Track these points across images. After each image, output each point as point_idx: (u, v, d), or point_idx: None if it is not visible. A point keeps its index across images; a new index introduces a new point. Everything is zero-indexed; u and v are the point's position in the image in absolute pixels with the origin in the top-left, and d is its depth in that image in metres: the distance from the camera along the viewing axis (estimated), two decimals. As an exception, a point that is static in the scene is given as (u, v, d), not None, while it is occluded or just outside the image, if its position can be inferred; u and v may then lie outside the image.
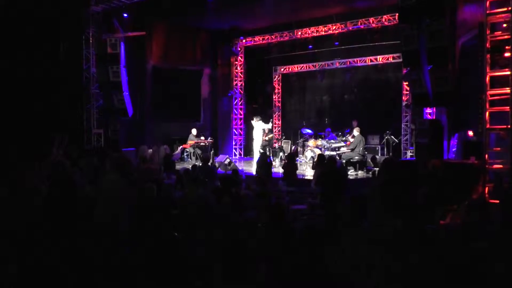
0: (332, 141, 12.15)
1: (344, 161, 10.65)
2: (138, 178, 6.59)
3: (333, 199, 5.25)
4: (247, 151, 15.24)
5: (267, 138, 13.28)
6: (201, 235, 4.22)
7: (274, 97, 16.30)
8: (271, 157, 12.55)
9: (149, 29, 12.61)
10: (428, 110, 10.64)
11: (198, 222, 4.76)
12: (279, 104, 16.42)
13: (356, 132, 11.11)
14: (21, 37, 9.65)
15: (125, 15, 11.16)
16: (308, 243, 2.95)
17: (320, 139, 12.92)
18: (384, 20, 11.58)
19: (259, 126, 13.36)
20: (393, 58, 13.06)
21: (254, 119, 13.47)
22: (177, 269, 2.84)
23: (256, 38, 14.18)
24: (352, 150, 10.85)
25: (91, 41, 11.26)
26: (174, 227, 4.85)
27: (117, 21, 11.19)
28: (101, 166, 7.82)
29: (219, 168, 10.78)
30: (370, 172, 10.40)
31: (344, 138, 12.16)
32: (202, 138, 13.08)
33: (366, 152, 11.54)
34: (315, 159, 8.85)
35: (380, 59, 13.46)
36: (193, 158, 12.77)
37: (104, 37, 11.33)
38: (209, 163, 10.26)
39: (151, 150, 10.32)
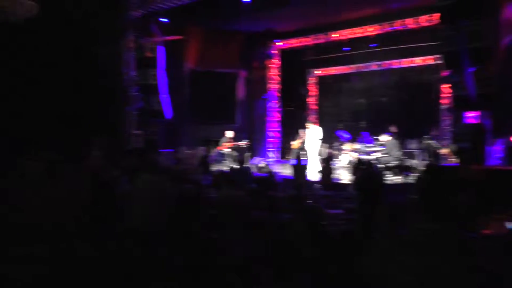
0: (369, 145, 11.95)
1: (381, 166, 10.44)
2: (175, 179, 6.74)
3: (370, 204, 5.18)
4: (283, 154, 15.23)
5: (302, 141, 13.16)
6: (237, 236, 4.27)
7: (309, 100, 16.20)
8: (306, 161, 12.47)
9: (186, 33, 12.87)
10: (470, 114, 10.25)
11: (235, 223, 4.82)
12: (315, 107, 16.30)
13: (384, 137, 10.87)
14: (64, 42, 10.06)
15: (164, 19, 11.47)
16: (344, 249, 2.93)
17: (356, 142, 12.73)
18: (421, 21, 11.27)
19: (313, 132, 12.98)
20: (432, 60, 12.68)
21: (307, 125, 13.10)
22: (215, 269, 2.90)
23: (291, 41, 14.17)
24: (388, 154, 10.63)
25: (130, 45, 11.64)
26: (211, 227, 4.95)
27: (155, 25, 11.52)
28: (139, 167, 8.05)
29: (255, 171, 10.84)
30: (409, 178, 10.15)
31: (381, 142, 11.91)
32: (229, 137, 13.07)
33: (404, 157, 11.27)
34: (353, 163, 8.76)
35: (418, 60, 13.10)
36: (229, 160, 12.88)
37: (143, 42, 11.71)
38: (244, 165, 10.35)
39: (188, 151, 10.52)
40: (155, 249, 3.90)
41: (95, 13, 10.41)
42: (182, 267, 3.39)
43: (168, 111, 11.79)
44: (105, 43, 11.30)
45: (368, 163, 6.32)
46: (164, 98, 11.67)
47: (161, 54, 11.61)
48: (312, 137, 11.94)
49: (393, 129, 11.84)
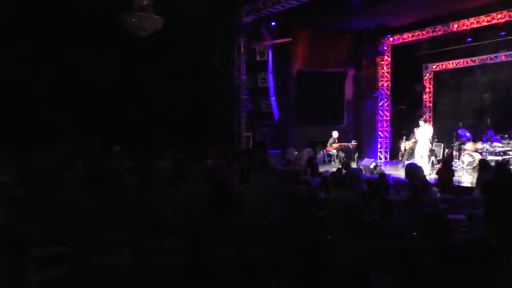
0: (496, 144, 10.71)
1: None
2: (285, 179, 6.83)
3: (503, 211, 4.61)
4: (393, 155, 14.48)
5: (415, 141, 12.35)
6: (349, 238, 4.16)
7: (424, 96, 15.14)
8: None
9: (294, 35, 12.99)
10: None
11: (346, 226, 4.70)
12: (430, 104, 15.17)
13: None
14: (178, 48, 10.78)
15: (273, 23, 11.73)
16: (475, 259, 2.65)
17: (480, 142, 11.53)
18: None
19: (425, 130, 12.21)
20: None
21: (421, 120, 12.37)
22: (327, 270, 2.85)
23: (405, 35, 13.38)
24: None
25: (242, 50, 12.15)
26: (321, 228, 4.90)
27: (265, 29, 11.85)
28: (250, 167, 8.34)
29: (365, 172, 10.47)
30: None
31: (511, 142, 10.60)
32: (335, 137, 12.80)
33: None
34: (477, 165, 7.91)
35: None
36: (337, 161, 12.66)
37: (253, 46, 12.13)
38: (351, 168, 10.06)
39: (296, 152, 10.59)
40: (268, 248, 3.99)
41: (209, 19, 11.05)
42: (294, 267, 3.40)
43: (276, 113, 12.03)
44: (219, 48, 11.95)
45: (500, 164, 5.61)
46: (273, 100, 11.94)
47: (270, 57, 11.91)
48: (422, 136, 11.22)
49: None
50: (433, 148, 12.74)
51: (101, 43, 9.34)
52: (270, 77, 11.92)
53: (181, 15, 10.13)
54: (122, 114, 9.72)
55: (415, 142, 12.23)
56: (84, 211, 4.74)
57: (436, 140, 13.47)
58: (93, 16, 9.04)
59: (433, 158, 12.22)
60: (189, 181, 5.08)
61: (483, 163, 7.51)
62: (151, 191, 5.42)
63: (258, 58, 12.03)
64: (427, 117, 15.09)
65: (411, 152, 12.08)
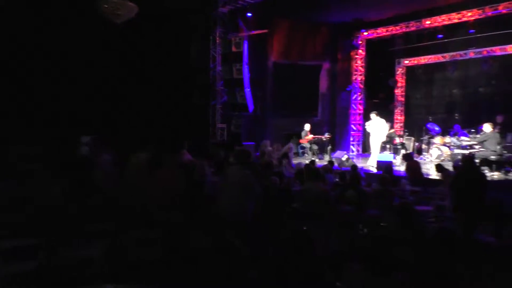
0: (463, 138, 11.08)
1: (478, 160, 9.61)
2: (259, 171, 6.86)
3: (470, 203, 4.80)
4: (365, 148, 14.77)
5: (387, 134, 12.62)
6: (323, 229, 4.23)
7: (396, 91, 15.46)
8: (394, 155, 11.96)
9: (270, 26, 12.96)
10: None
11: (319, 217, 4.78)
12: (402, 99, 15.52)
13: (486, 127, 9.88)
14: (153, 37, 10.51)
15: (249, 14, 11.66)
16: (442, 248, 2.75)
17: (448, 136, 11.90)
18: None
19: (377, 123, 12.52)
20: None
21: (374, 113, 12.67)
22: (303, 261, 2.90)
23: (379, 30, 13.58)
24: (481, 143, 9.76)
25: (217, 40, 12.04)
26: (295, 220, 4.96)
27: (241, 20, 11.77)
28: (227, 159, 8.34)
29: (337, 164, 10.64)
30: (510, 174, 9.25)
31: (477, 136, 10.97)
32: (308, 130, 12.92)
33: (504, 151, 10.28)
34: (445, 158, 8.16)
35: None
36: (310, 153, 12.78)
37: (229, 37, 12.04)
38: (327, 159, 10.19)
39: (270, 144, 10.64)
40: (244, 238, 4.00)
41: (185, 10, 10.86)
42: (270, 258, 3.44)
43: (250, 105, 12.02)
44: (194, 39, 11.80)
45: (467, 158, 5.80)
46: (248, 91, 11.92)
47: (245, 48, 11.85)
48: (374, 129, 11.24)
49: (499, 119, 10.83)
50: (404, 142, 13.07)
51: (73, 31, 9.03)
52: (246, 69, 11.88)
53: (156, 3, 9.93)
54: (95, 106, 9.46)
55: (388, 136, 12.52)
56: (54, 202, 4.64)
57: (407, 133, 13.83)
58: (65, 3, 8.73)
59: (403, 151, 12.52)
60: (165, 172, 5.02)
61: (438, 167, 7.86)
62: (126, 182, 5.35)
63: (233, 49, 11.95)
64: (399, 111, 15.45)
65: (383, 146, 12.34)
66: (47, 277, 3.54)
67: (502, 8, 10.63)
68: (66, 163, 6.13)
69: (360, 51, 14.31)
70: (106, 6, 7.20)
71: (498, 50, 12.54)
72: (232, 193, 4.75)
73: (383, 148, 12.15)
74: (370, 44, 14.28)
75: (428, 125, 12.84)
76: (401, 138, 13.17)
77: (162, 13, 10.38)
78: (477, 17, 11.18)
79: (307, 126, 12.94)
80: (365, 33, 13.93)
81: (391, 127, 13.34)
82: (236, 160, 5.18)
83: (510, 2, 10.43)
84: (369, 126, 11.30)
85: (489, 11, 10.88)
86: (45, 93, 8.76)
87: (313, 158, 11.47)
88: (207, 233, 3.90)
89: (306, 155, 12.99)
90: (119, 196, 5.21)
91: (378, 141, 11.09)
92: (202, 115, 12.07)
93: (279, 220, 4.66)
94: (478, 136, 10.34)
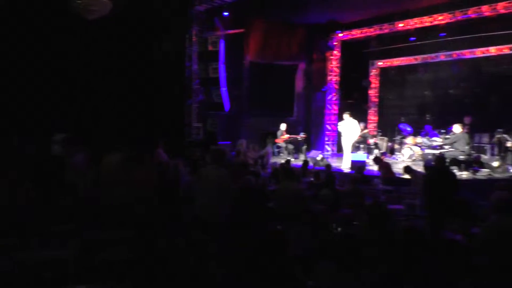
0: (434, 138, 11.40)
1: (448, 160, 9.90)
2: (235, 170, 6.87)
3: (439, 201, 4.95)
4: (340, 148, 14.98)
5: (361, 134, 12.83)
6: (297, 228, 4.29)
7: (370, 92, 15.74)
8: (368, 155, 12.18)
9: (247, 26, 12.98)
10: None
11: (294, 216, 4.83)
12: (376, 100, 15.82)
13: (456, 128, 10.19)
14: (127, 35, 10.25)
15: (226, 13, 11.65)
16: (410, 246, 2.84)
17: (419, 136, 12.22)
18: (499, 8, 10.48)
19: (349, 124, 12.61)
20: (508, 49, 11.82)
21: (346, 114, 12.76)
22: (276, 261, 2.93)
23: (354, 32, 13.78)
24: (451, 145, 10.07)
25: (193, 39, 11.96)
26: (270, 219, 5.00)
27: (218, 19, 11.74)
28: (203, 158, 8.31)
29: (312, 164, 10.76)
30: (478, 173, 9.58)
31: (447, 136, 11.31)
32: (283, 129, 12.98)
33: (473, 151, 10.64)
34: (416, 157, 8.35)
35: (493, 50, 12.26)
36: (285, 152, 12.87)
37: (205, 35, 11.99)
38: (302, 159, 10.26)
39: (246, 144, 10.66)
40: (219, 239, 4.01)
41: (161, 8, 10.72)
42: (244, 257, 3.45)
43: (226, 104, 12.01)
44: (170, 37, 11.66)
45: (438, 158, 5.98)
46: (224, 91, 11.91)
47: (222, 48, 11.83)
48: (346, 129, 11.20)
49: (467, 120, 11.17)
50: (377, 142, 13.34)
51: (44, 27, 8.77)
52: (222, 68, 11.87)
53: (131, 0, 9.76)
54: (68, 104, 9.23)
55: (362, 136, 12.74)
56: (23, 200, 4.52)
57: (380, 133, 14.11)
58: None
59: (376, 151, 12.79)
60: (139, 172, 4.97)
61: (406, 168, 8.12)
62: (99, 182, 5.26)
63: (210, 48, 11.92)
64: (373, 111, 15.74)
65: (357, 146, 12.55)
66: (18, 278, 3.46)
67: (471, 13, 10.98)
68: (37, 162, 5.97)
69: (335, 52, 14.48)
70: (80, 1, 7.05)
71: (467, 53, 12.93)
72: (208, 192, 4.75)
73: (356, 148, 12.36)
74: (345, 45, 14.48)
75: (401, 126, 13.15)
76: (375, 138, 13.45)
77: (137, 10, 10.22)
78: (448, 21, 11.51)
79: (283, 126, 13.00)
80: (340, 35, 14.12)
81: (365, 127, 13.60)
82: (212, 159, 5.16)
83: (478, 7, 10.79)
84: (341, 126, 11.39)
85: (459, 15, 11.21)
86: (14, 90, 8.50)
87: (288, 158, 11.58)
88: (178, 233, 3.89)
89: (281, 154, 13.08)
90: (92, 196, 5.11)
91: (349, 141, 11.19)
92: (178, 114, 11.97)
93: (254, 220, 4.68)
94: (448, 136, 10.64)
